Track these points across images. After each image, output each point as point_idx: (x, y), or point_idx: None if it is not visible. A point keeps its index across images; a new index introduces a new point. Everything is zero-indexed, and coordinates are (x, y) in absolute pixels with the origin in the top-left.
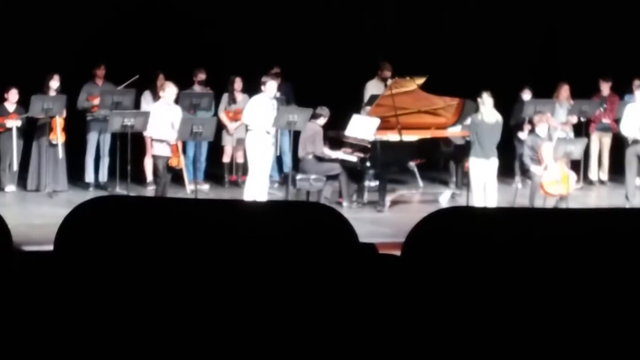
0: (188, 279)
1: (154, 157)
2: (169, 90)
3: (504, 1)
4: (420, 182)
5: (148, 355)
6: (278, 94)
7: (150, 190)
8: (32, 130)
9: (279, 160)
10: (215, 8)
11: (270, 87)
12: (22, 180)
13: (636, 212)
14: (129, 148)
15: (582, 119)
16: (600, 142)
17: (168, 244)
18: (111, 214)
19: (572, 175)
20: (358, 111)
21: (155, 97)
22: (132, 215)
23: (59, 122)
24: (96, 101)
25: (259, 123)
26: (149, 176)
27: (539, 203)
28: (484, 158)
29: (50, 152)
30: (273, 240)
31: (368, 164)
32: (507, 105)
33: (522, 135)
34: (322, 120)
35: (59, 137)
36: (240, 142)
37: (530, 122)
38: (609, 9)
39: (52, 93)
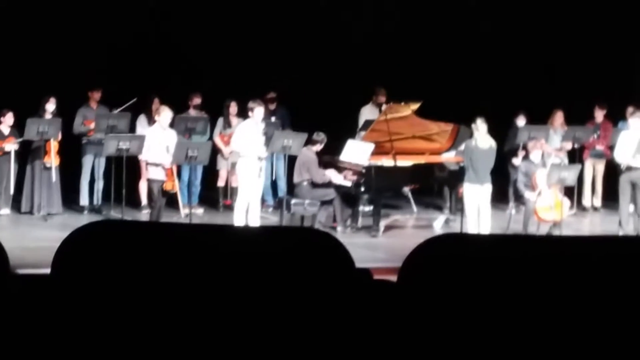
0: (182, 302)
1: (149, 181)
2: (165, 114)
3: (498, 27)
4: (415, 208)
5: None
6: (273, 119)
7: (145, 214)
8: (27, 153)
9: (274, 184)
10: (211, 33)
11: (258, 112)
12: (15, 202)
13: (629, 239)
14: (124, 171)
15: (576, 146)
16: (594, 169)
17: (163, 268)
18: (107, 238)
19: (566, 202)
20: (353, 136)
21: (151, 120)
22: (128, 240)
23: (53, 145)
24: (92, 125)
25: (249, 149)
26: (144, 200)
27: (532, 229)
28: (478, 184)
29: (44, 175)
30: (268, 264)
31: (362, 188)
32: (502, 131)
33: (516, 161)
34: (317, 147)
35: (52, 160)
36: (235, 167)
37: (525, 148)
38: (602, 37)
39: (48, 116)
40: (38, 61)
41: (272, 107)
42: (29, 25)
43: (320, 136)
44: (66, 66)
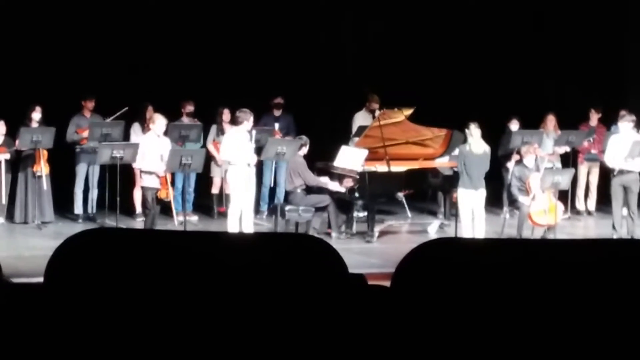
0: (177, 310)
1: (143, 189)
2: (159, 122)
3: (490, 32)
4: (409, 213)
5: None
6: (277, 125)
7: (139, 222)
8: (18, 162)
9: (272, 191)
10: (204, 40)
11: (247, 122)
12: (10, 212)
13: (623, 242)
14: (118, 180)
15: (568, 149)
16: (589, 173)
17: (157, 276)
18: (101, 246)
19: (560, 206)
20: (346, 142)
21: (144, 128)
22: (121, 248)
23: (42, 153)
24: (85, 133)
25: (238, 157)
26: (138, 208)
27: (526, 233)
28: (472, 189)
29: (35, 183)
30: (263, 271)
31: (357, 194)
32: (495, 136)
33: (510, 165)
34: (303, 150)
35: (42, 168)
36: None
37: (518, 152)
38: (592, 41)
39: (35, 124)
40: (29, 69)
41: (278, 113)
42: (19, 32)
43: (303, 139)
44: (58, 74)
